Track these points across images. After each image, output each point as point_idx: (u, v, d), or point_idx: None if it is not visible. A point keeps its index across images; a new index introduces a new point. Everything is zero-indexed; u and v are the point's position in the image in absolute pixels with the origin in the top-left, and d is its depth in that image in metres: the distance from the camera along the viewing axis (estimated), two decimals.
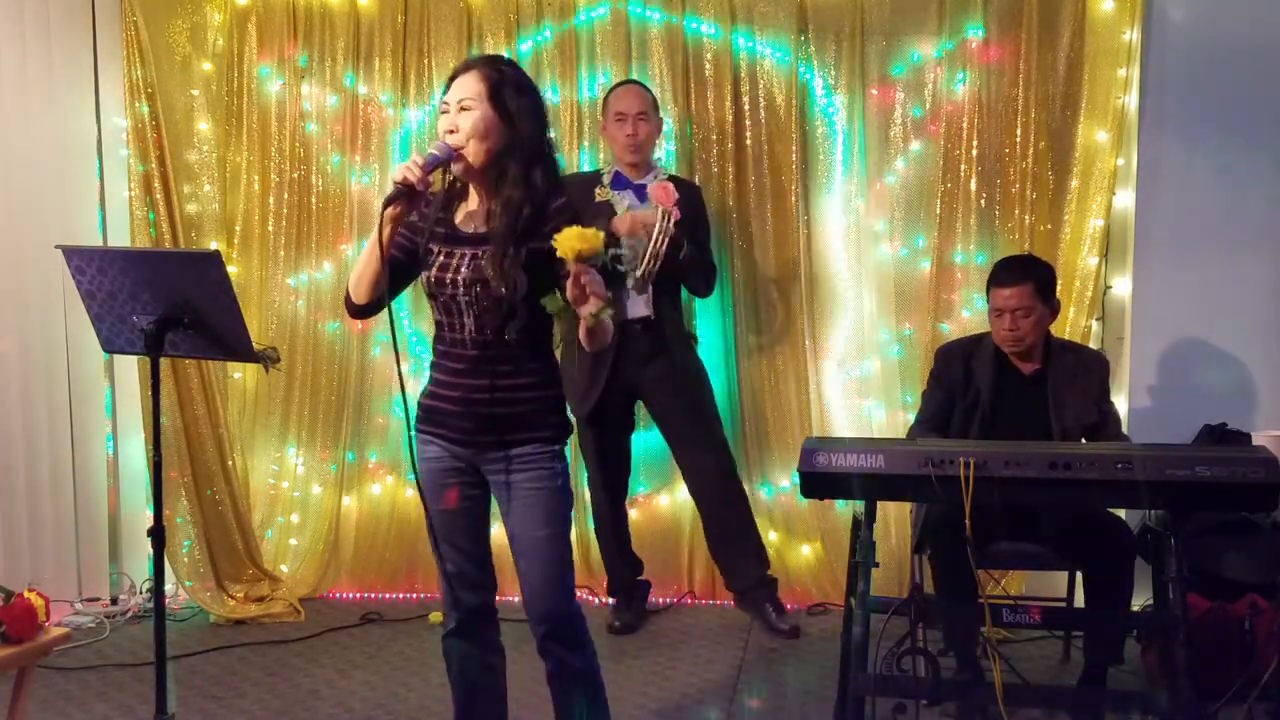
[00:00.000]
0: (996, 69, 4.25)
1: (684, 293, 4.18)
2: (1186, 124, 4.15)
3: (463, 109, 2.50)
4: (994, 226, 4.27)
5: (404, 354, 4.64)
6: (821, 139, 4.41)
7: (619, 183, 4.08)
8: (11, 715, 2.92)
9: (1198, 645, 2.98)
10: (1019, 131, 4.22)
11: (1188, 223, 4.17)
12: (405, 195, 2.45)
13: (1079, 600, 3.57)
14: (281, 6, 4.55)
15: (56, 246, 2.92)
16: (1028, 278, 3.45)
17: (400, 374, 2.57)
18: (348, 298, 2.64)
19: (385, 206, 2.44)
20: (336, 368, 4.63)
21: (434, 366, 2.68)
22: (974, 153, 4.26)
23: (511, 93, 2.52)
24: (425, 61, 4.53)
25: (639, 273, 3.76)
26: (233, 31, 4.54)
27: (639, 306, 4.02)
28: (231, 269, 4.34)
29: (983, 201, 4.27)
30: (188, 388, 4.37)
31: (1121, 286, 4.25)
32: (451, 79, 2.56)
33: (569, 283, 2.35)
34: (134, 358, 4.16)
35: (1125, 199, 4.23)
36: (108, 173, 4.50)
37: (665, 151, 4.46)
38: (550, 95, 4.49)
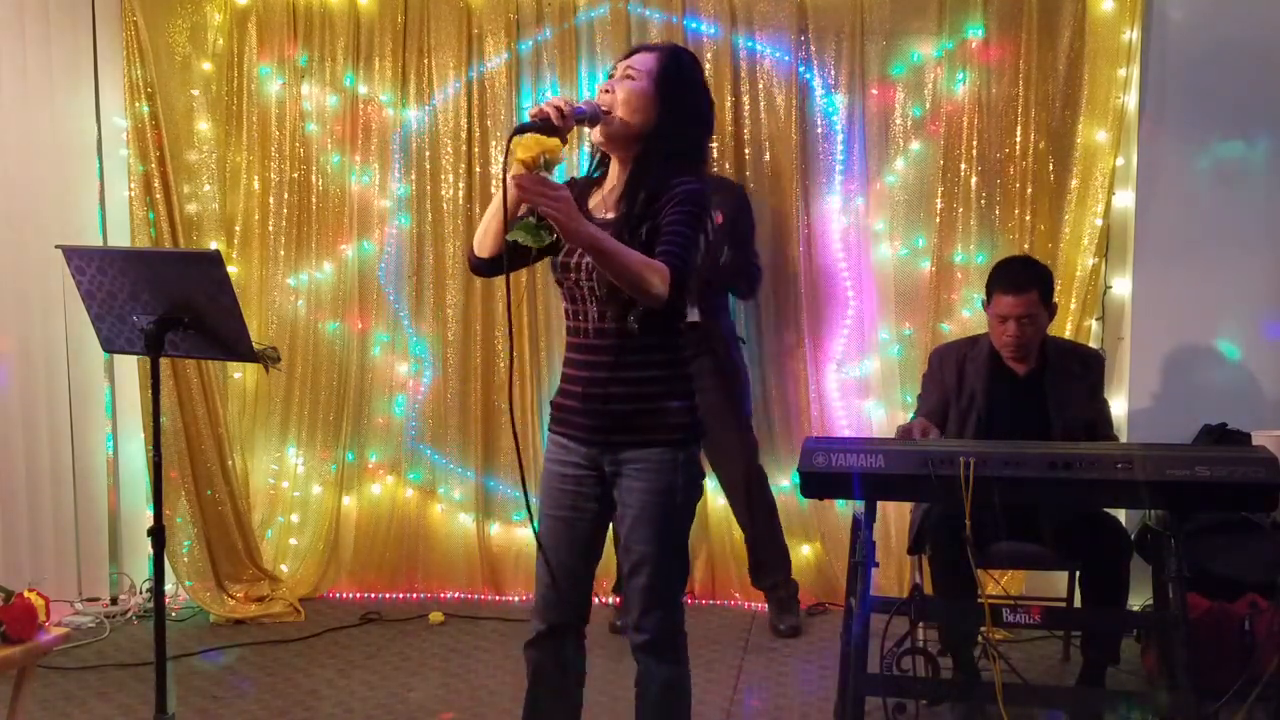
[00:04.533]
0: (996, 69, 4.25)
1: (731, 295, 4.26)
2: (1186, 124, 4.15)
3: (626, 77, 2.41)
4: (994, 226, 4.27)
5: (404, 353, 4.65)
6: (821, 139, 4.41)
7: None
8: (11, 715, 2.92)
9: (1198, 645, 2.98)
10: (1019, 131, 4.22)
11: (1188, 223, 4.17)
12: (538, 129, 2.24)
13: (1079, 600, 3.57)
14: (281, 6, 4.55)
15: (56, 246, 2.92)
16: (1033, 284, 3.39)
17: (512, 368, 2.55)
18: (470, 253, 2.48)
19: (514, 134, 2.22)
20: (336, 368, 4.63)
21: (565, 363, 2.51)
22: (974, 152, 4.26)
23: (679, 82, 2.42)
24: (425, 61, 4.53)
25: None
26: (233, 31, 4.54)
27: (689, 313, 4.06)
28: (231, 269, 4.35)
29: (983, 201, 4.27)
30: (188, 388, 4.37)
31: (1121, 286, 4.25)
32: (631, 52, 2.48)
33: (514, 187, 2.23)
34: (134, 358, 4.17)
35: (1125, 199, 4.22)
36: (108, 173, 4.50)
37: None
38: (550, 95, 4.49)
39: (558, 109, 2.27)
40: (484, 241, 2.43)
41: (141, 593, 4.52)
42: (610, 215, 2.41)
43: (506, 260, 2.37)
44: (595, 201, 2.48)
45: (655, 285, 2.26)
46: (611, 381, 2.37)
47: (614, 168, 2.49)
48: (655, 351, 2.42)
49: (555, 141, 2.19)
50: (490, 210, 2.42)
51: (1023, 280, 3.40)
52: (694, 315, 4.05)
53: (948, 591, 3.26)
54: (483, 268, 2.47)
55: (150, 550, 2.81)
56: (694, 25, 4.41)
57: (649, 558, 2.42)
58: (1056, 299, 3.58)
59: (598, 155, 2.51)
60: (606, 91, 2.40)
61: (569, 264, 2.41)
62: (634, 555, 2.43)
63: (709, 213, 2.42)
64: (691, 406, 2.46)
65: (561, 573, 2.48)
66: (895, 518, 4.32)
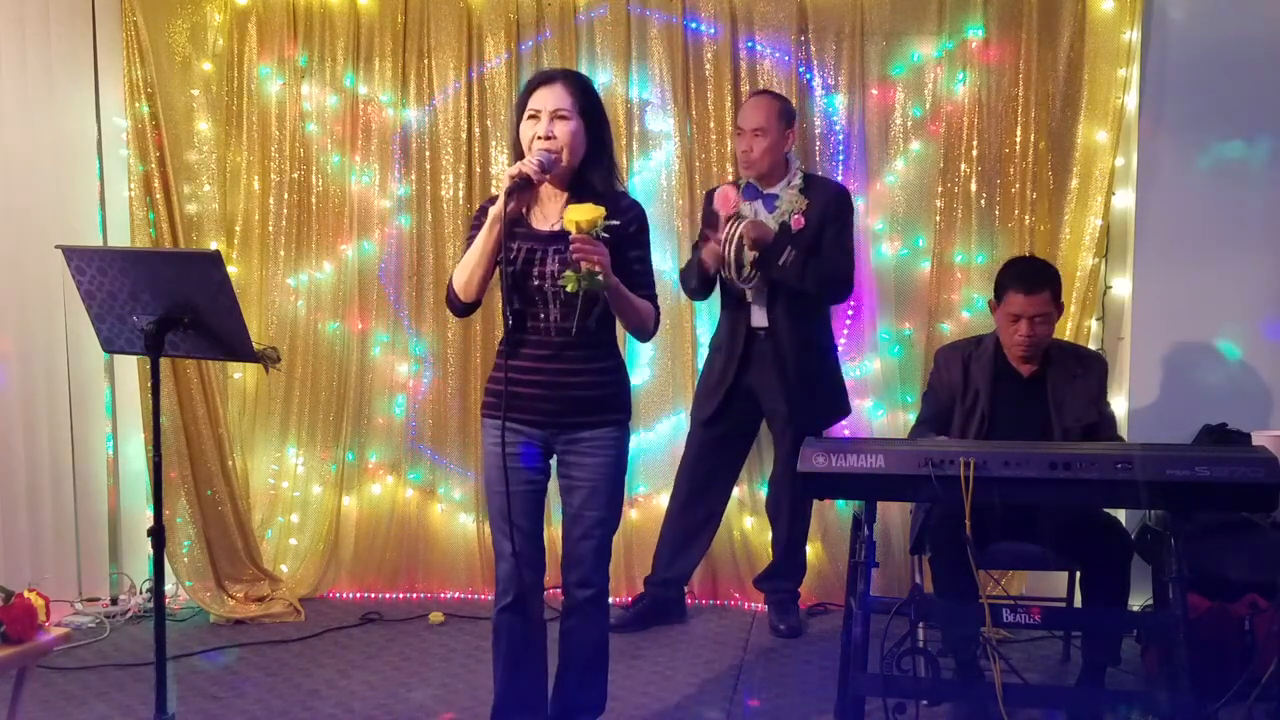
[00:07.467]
0: (996, 69, 4.25)
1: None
2: (1186, 124, 4.16)
3: (558, 118, 2.73)
4: (994, 226, 4.27)
5: (404, 353, 4.65)
6: (821, 139, 4.41)
7: (750, 192, 4.09)
8: (11, 715, 2.92)
9: (1198, 645, 2.97)
10: (1019, 131, 4.22)
11: (1188, 223, 4.17)
12: (522, 189, 2.69)
13: (1079, 600, 3.57)
14: (281, 6, 4.55)
15: (56, 246, 2.92)
16: (1045, 284, 3.39)
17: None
18: (453, 298, 2.84)
19: (509, 197, 2.67)
20: (336, 368, 4.63)
21: (509, 354, 2.84)
22: (974, 153, 4.26)
23: (594, 108, 2.79)
24: (425, 62, 4.53)
25: (727, 276, 3.94)
26: (233, 31, 4.54)
27: (758, 316, 4.07)
28: (231, 269, 4.35)
29: (983, 201, 4.27)
30: (188, 388, 4.37)
31: (1121, 286, 4.25)
32: (532, 88, 2.78)
33: (571, 248, 2.64)
34: (134, 358, 4.17)
35: (1125, 199, 4.23)
36: (108, 173, 4.50)
37: (665, 151, 4.47)
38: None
39: (528, 165, 2.69)
40: (474, 288, 2.80)
41: (141, 593, 4.52)
42: (559, 226, 2.73)
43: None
44: (535, 216, 2.83)
45: (650, 328, 2.88)
46: (573, 372, 2.80)
47: (545, 187, 2.81)
48: (608, 344, 2.87)
49: (602, 210, 2.64)
50: (477, 259, 2.76)
51: (1036, 279, 3.40)
52: (760, 319, 4.06)
53: (948, 592, 3.26)
54: (467, 310, 2.87)
55: (150, 550, 2.82)
56: (694, 25, 4.41)
57: (603, 522, 2.87)
58: (1062, 301, 3.56)
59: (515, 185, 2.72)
60: (548, 138, 2.72)
61: (532, 272, 2.76)
62: (588, 520, 2.87)
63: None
64: (629, 390, 2.94)
65: (527, 540, 2.85)
66: (895, 518, 4.32)
